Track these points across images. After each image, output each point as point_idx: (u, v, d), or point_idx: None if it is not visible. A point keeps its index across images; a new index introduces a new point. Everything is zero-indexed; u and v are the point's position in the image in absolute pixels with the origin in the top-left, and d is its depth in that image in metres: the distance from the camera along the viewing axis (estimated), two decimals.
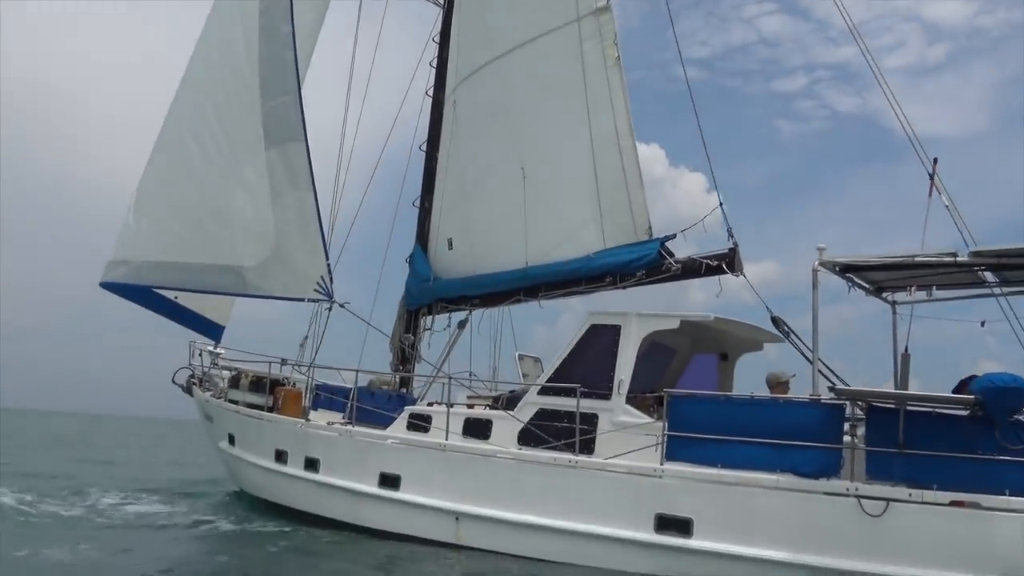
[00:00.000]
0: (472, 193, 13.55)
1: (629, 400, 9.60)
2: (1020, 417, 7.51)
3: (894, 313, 9.85)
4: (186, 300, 15.23)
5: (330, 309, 13.27)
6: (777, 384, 9.55)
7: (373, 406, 12.07)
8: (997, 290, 8.97)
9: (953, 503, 7.45)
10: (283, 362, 13.94)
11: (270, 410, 13.15)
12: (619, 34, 12.01)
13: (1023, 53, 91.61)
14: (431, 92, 14.78)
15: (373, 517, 10.84)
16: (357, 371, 12.58)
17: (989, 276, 8.87)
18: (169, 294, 14.96)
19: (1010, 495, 7.30)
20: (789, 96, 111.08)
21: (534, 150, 12.68)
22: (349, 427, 11.68)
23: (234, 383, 14.21)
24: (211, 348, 15.58)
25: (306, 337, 13.88)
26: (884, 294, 9.79)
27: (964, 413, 7.76)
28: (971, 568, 7.30)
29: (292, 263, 13.29)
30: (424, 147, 14.68)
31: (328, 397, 13.17)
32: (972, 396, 7.51)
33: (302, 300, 13.26)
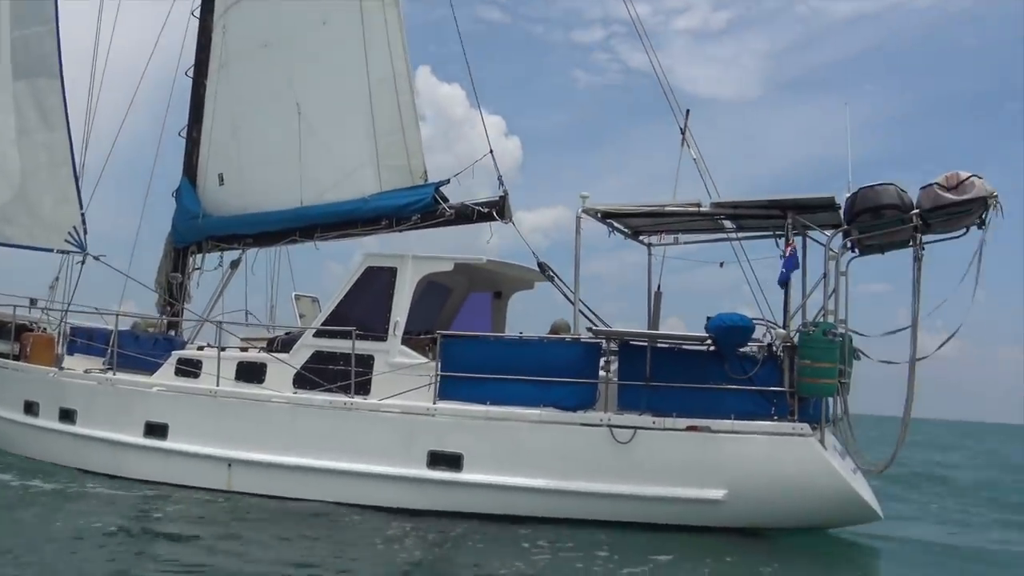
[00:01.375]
0: (244, 127, 12.86)
1: (405, 341, 9.78)
2: (744, 351, 8.56)
3: (649, 255, 10.74)
4: None
5: (83, 262, 12.26)
6: (558, 331, 10.11)
7: (137, 351, 11.38)
8: (734, 235, 10.01)
9: (689, 428, 8.41)
10: (32, 304, 12.79)
11: (16, 358, 12.08)
12: None
13: (792, 26, 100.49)
14: (197, 14, 13.71)
15: (138, 468, 10.39)
16: (118, 314, 11.81)
17: (728, 224, 9.88)
18: None
19: (735, 419, 8.36)
20: (586, 48, 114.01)
21: (310, 86, 12.23)
22: (109, 375, 11.00)
23: None
24: None
25: (56, 278, 12.73)
26: (641, 238, 10.61)
27: (702, 348, 8.71)
28: (703, 483, 8.35)
29: (39, 209, 12.28)
30: (191, 73, 13.67)
31: (85, 342, 12.29)
32: (706, 334, 8.44)
33: (51, 251, 12.19)
